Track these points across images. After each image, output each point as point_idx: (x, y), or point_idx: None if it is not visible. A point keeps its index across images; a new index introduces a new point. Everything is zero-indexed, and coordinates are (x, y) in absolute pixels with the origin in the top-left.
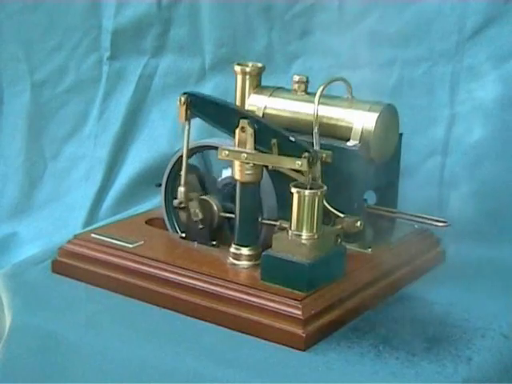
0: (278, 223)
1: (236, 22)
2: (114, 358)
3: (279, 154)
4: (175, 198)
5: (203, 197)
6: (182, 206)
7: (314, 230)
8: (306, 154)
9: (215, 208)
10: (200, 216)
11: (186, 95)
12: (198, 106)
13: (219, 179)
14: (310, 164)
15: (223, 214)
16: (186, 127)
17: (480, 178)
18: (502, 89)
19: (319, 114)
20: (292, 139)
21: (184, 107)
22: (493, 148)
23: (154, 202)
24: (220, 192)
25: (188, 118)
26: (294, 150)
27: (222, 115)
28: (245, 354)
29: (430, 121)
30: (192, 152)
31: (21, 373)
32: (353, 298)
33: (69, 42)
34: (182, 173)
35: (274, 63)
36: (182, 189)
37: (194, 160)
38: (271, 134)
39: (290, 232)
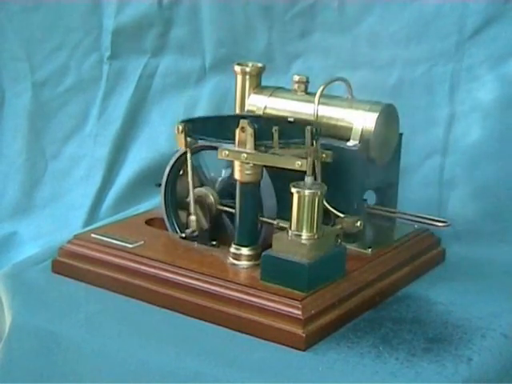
0: (275, 222)
1: (236, 21)
2: (114, 358)
3: (281, 140)
4: (190, 201)
5: (200, 189)
6: (195, 234)
7: (314, 230)
8: (309, 127)
9: (212, 199)
10: (194, 226)
11: (183, 124)
12: (196, 130)
13: (219, 179)
14: (314, 136)
15: (220, 207)
16: (188, 155)
17: (479, 177)
18: (502, 89)
19: (319, 113)
20: (291, 120)
21: (182, 135)
22: (492, 148)
23: (154, 201)
24: (220, 191)
25: (188, 146)
26: (295, 131)
27: (223, 127)
28: (245, 354)
29: (430, 121)
30: (193, 152)
31: (21, 373)
32: (353, 298)
33: (69, 42)
34: (191, 202)
35: (274, 63)
36: (193, 217)
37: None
38: (272, 124)
39: (289, 232)
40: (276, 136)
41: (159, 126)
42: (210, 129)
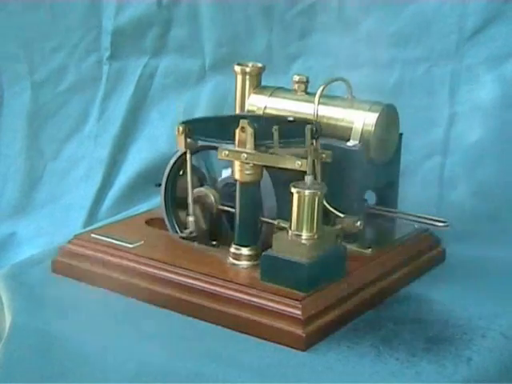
0: (275, 222)
1: (236, 22)
2: (114, 358)
3: (282, 139)
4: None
5: (200, 189)
6: (193, 235)
7: (314, 230)
8: (309, 126)
9: (212, 199)
10: (192, 227)
11: (183, 125)
12: (197, 131)
13: (219, 179)
14: (314, 135)
15: (221, 207)
16: (188, 156)
17: (479, 177)
18: (502, 89)
19: (319, 113)
20: (291, 119)
21: (183, 136)
22: (492, 148)
23: (154, 201)
24: (220, 191)
25: (188, 147)
26: (295, 130)
27: (223, 128)
28: (245, 354)
29: (430, 121)
30: (193, 152)
31: (21, 373)
32: (353, 298)
33: (69, 42)
34: (189, 202)
35: (273, 63)
36: (191, 218)
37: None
38: (272, 124)
39: (289, 232)
40: (276, 135)
41: (159, 126)
42: (210, 130)
